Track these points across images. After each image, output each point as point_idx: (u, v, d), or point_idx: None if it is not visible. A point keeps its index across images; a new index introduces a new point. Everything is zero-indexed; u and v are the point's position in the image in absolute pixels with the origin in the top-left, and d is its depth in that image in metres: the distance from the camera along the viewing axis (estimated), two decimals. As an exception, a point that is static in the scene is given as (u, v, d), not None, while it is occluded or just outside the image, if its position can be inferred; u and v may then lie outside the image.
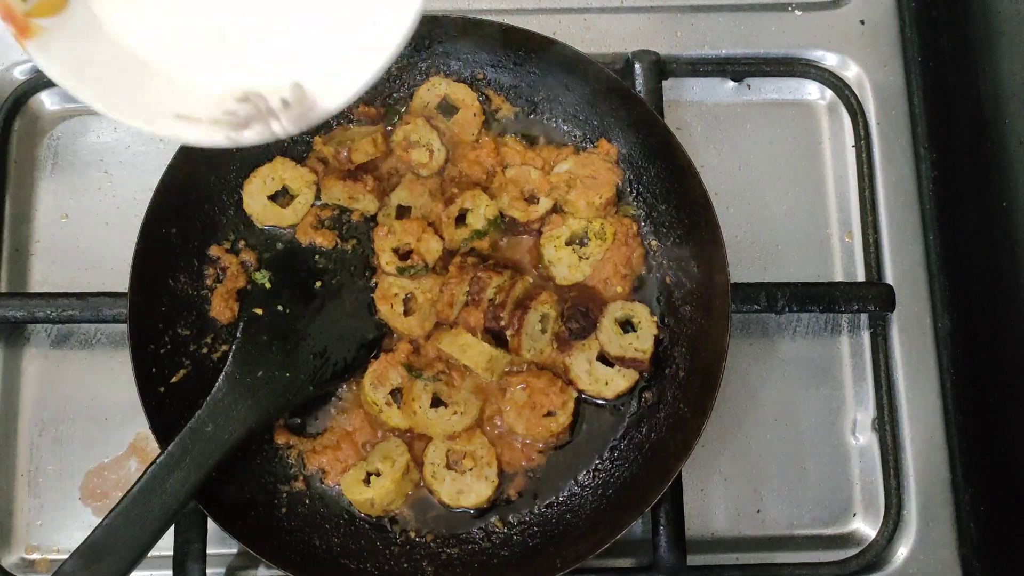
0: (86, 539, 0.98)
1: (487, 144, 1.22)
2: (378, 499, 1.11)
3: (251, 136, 0.83)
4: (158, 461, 1.02)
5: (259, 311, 1.14)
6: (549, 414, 1.14)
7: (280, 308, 1.15)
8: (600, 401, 1.17)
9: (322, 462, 1.14)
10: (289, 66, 0.83)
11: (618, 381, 1.16)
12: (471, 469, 1.13)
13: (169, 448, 1.03)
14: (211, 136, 0.82)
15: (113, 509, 0.99)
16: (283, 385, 1.10)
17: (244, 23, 0.84)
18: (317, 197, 1.21)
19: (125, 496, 1.00)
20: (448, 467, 1.13)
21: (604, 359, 1.16)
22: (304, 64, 0.83)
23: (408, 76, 1.24)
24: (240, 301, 1.16)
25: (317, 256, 1.19)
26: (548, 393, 1.14)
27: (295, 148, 1.23)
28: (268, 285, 1.16)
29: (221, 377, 1.08)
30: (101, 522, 0.99)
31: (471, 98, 1.23)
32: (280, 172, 1.20)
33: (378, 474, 1.11)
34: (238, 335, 1.12)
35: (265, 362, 1.10)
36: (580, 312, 1.17)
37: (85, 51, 0.83)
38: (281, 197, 1.21)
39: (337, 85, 0.82)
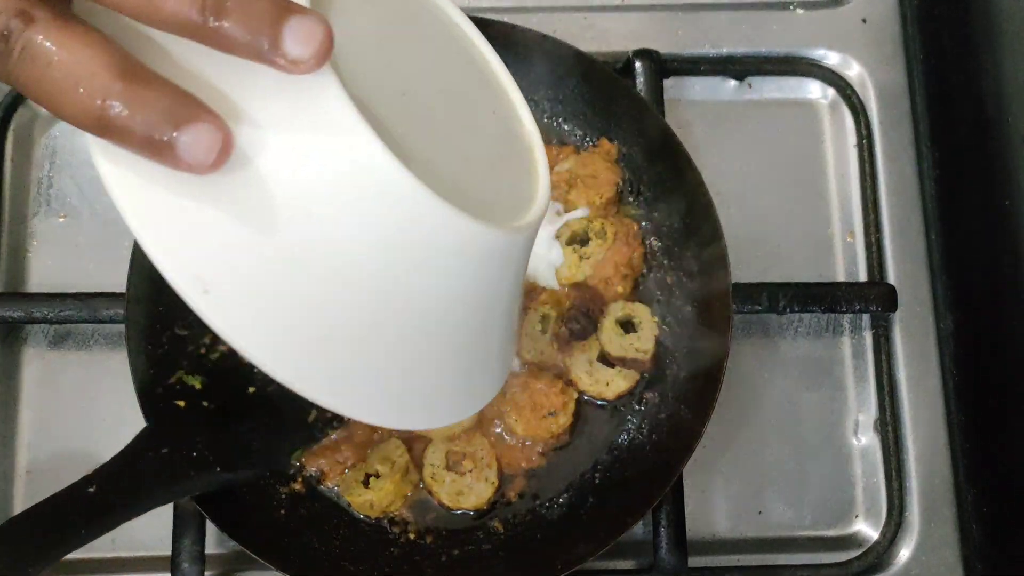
0: None
1: (487, 144, 1.22)
2: (377, 500, 1.10)
3: None
4: (23, 512, 0.89)
5: (181, 403, 1.08)
6: (549, 415, 1.13)
7: (205, 404, 1.09)
8: (600, 402, 1.17)
9: (321, 463, 1.14)
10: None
11: (619, 382, 1.15)
12: (471, 470, 1.12)
13: (38, 503, 0.90)
14: None
15: None
16: (189, 464, 1.00)
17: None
18: None
19: None
20: (448, 468, 1.13)
21: (605, 359, 1.16)
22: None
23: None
24: (162, 393, 1.09)
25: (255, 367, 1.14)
26: (548, 394, 1.13)
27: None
28: (198, 387, 1.10)
29: (120, 452, 0.97)
30: None
31: (471, 98, 1.23)
32: None
33: (377, 475, 1.11)
34: (151, 420, 1.04)
35: (175, 441, 1.01)
36: (580, 312, 1.16)
37: None
38: None
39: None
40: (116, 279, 1.11)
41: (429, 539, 1.13)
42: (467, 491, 1.12)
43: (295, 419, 1.13)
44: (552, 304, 1.15)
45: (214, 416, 1.09)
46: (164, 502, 1.00)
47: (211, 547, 1.12)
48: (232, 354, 1.13)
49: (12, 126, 1.28)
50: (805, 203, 1.30)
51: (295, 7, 0.47)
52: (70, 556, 1.16)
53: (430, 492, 1.13)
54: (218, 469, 1.03)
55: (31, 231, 1.26)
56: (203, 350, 1.14)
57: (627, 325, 1.17)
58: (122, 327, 1.10)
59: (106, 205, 1.27)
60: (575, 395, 1.15)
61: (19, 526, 0.89)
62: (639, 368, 1.15)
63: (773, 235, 1.29)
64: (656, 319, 1.16)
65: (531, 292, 1.16)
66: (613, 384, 1.15)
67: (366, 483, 1.11)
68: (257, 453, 1.09)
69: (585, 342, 1.16)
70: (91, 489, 0.92)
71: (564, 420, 1.14)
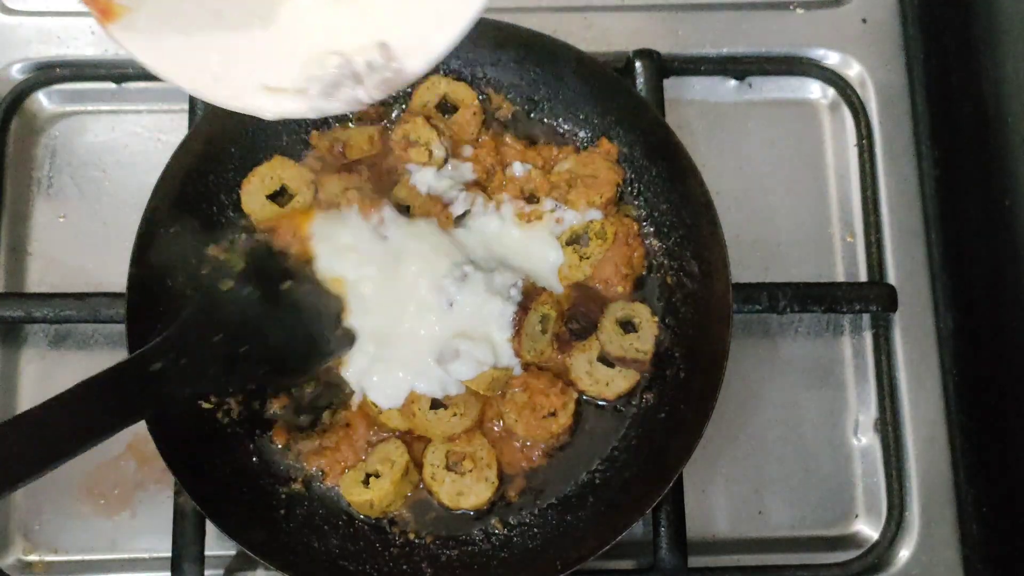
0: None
1: (487, 143, 1.22)
2: (377, 500, 1.10)
3: (336, 105, 0.83)
4: (95, 379, 0.92)
5: (230, 284, 1.10)
6: (549, 415, 1.13)
7: (247, 292, 1.10)
8: (601, 402, 1.16)
9: (321, 463, 1.13)
10: (374, 27, 0.82)
11: (619, 382, 1.15)
12: (471, 470, 1.12)
13: (109, 371, 0.93)
14: (296, 106, 0.82)
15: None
16: (205, 368, 1.03)
17: None
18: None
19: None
20: (448, 468, 1.13)
21: (605, 360, 1.16)
22: (389, 25, 0.82)
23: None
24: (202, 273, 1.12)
25: (290, 259, 1.15)
26: (548, 394, 1.13)
27: (294, 148, 1.22)
28: (241, 267, 1.12)
29: (164, 337, 1.00)
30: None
31: (471, 97, 1.23)
32: (279, 171, 1.19)
33: (377, 475, 1.10)
34: (197, 298, 1.07)
35: (207, 335, 1.04)
36: (580, 312, 1.16)
37: (166, 28, 0.81)
38: (280, 197, 1.20)
39: (422, 48, 0.81)
40: (116, 279, 1.11)
41: (429, 539, 1.12)
42: (467, 491, 1.12)
43: (320, 327, 1.13)
44: (552, 304, 1.15)
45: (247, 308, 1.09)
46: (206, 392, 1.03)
47: (211, 547, 1.12)
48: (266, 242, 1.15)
49: (13, 126, 1.28)
50: (805, 203, 1.30)
51: None
52: (70, 556, 1.17)
53: (430, 492, 1.13)
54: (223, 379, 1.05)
55: (31, 231, 1.26)
56: None
57: (627, 325, 1.17)
58: (122, 327, 1.10)
59: (106, 205, 1.27)
60: (575, 396, 1.15)
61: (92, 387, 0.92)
62: (639, 368, 1.15)
63: (773, 235, 1.28)
64: (656, 319, 1.16)
65: (531, 292, 1.16)
66: (613, 384, 1.15)
67: (366, 483, 1.11)
68: (274, 361, 1.09)
69: (585, 342, 1.16)
70: (156, 366, 0.95)
71: (564, 420, 1.14)
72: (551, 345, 1.16)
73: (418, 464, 1.13)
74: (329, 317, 1.13)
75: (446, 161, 1.21)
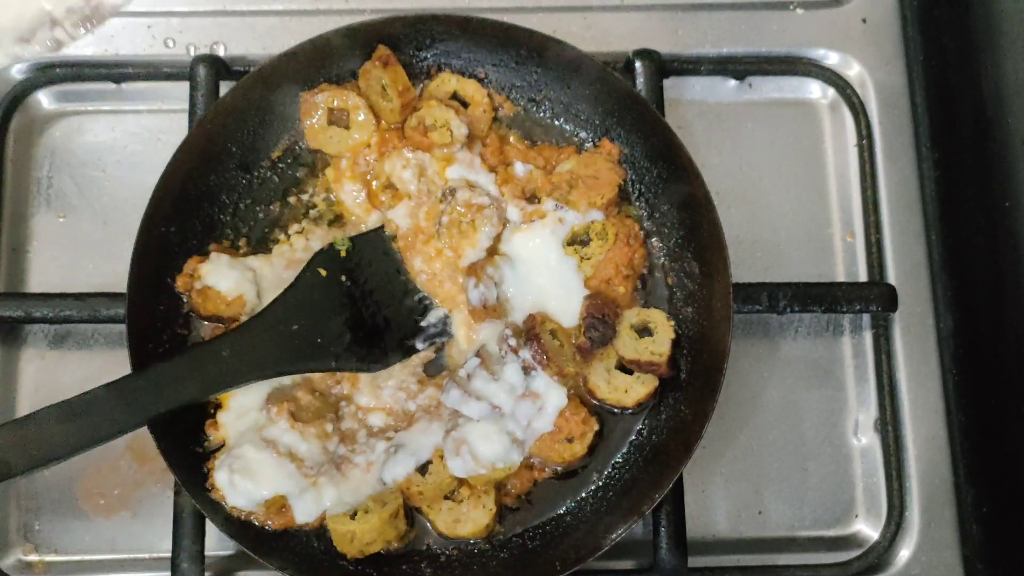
0: (68, 399, 0.98)
1: (492, 143, 1.21)
2: (360, 533, 1.07)
3: (35, 48, 0.86)
4: (162, 364, 1.02)
5: (323, 272, 1.12)
6: (567, 440, 1.11)
7: (343, 280, 1.13)
8: (616, 410, 1.15)
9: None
10: None
11: (637, 388, 1.13)
12: (468, 497, 1.10)
13: (176, 357, 1.03)
14: None
15: (105, 385, 0.99)
16: (309, 347, 1.08)
17: None
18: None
19: (120, 379, 1.00)
20: (444, 496, 1.11)
21: (623, 368, 1.14)
22: None
23: (409, 75, 1.23)
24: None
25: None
26: (570, 420, 1.11)
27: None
28: (344, 253, 1.14)
29: (254, 317, 1.08)
30: (90, 391, 0.99)
31: (480, 94, 1.22)
32: (328, 103, 1.19)
33: (367, 511, 1.08)
34: (292, 284, 1.10)
35: (304, 318, 1.09)
36: (597, 319, 1.14)
37: None
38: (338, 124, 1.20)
39: None
40: (116, 279, 1.11)
41: (428, 539, 1.12)
42: (464, 518, 1.10)
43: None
44: (548, 320, 1.15)
45: (345, 296, 1.13)
46: (271, 375, 1.07)
47: (211, 547, 1.12)
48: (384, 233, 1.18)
49: (12, 126, 1.28)
50: (805, 203, 1.30)
51: None
52: (70, 556, 1.16)
53: (428, 521, 1.11)
54: (332, 362, 1.10)
55: (31, 231, 1.26)
56: None
57: (643, 331, 1.14)
58: (122, 327, 1.10)
59: (106, 205, 1.27)
60: (596, 427, 1.13)
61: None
62: (656, 371, 1.13)
63: (773, 235, 1.28)
64: (672, 323, 1.14)
65: (524, 326, 1.15)
66: (632, 391, 1.13)
67: (353, 516, 1.08)
68: (369, 347, 1.12)
69: (603, 351, 1.14)
70: (224, 353, 1.04)
71: (580, 449, 1.12)
72: (575, 357, 1.14)
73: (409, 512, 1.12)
74: (414, 312, 1.16)
75: (468, 140, 1.19)
